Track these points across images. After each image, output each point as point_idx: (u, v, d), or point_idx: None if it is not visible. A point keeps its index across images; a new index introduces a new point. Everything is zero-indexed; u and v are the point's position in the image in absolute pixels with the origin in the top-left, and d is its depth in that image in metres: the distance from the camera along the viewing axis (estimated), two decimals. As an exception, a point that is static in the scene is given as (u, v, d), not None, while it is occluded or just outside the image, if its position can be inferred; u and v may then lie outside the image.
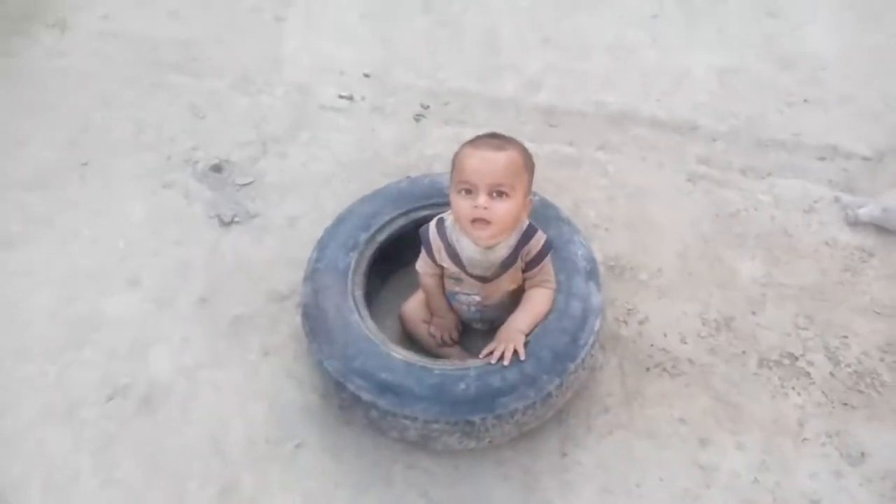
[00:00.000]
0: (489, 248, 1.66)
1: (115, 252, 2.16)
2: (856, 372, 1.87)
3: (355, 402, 1.59)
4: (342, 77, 2.72)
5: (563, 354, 1.60)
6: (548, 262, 1.70)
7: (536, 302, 1.68)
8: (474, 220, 1.56)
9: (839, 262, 2.11)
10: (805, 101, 2.60)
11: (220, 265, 2.12)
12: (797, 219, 2.22)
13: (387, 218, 1.88)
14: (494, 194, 1.54)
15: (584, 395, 1.80)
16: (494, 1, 3.04)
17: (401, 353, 1.63)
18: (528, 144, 1.65)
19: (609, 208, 2.24)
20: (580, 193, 2.28)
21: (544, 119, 2.56)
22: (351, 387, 1.58)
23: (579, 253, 1.78)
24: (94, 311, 2.01)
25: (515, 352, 1.59)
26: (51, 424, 1.79)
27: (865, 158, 2.40)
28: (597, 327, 1.67)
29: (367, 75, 2.73)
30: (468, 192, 1.55)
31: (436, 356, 1.76)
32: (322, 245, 1.84)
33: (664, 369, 1.87)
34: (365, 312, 1.73)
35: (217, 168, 2.38)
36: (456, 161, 1.60)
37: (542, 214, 1.83)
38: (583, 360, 1.63)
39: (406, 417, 1.54)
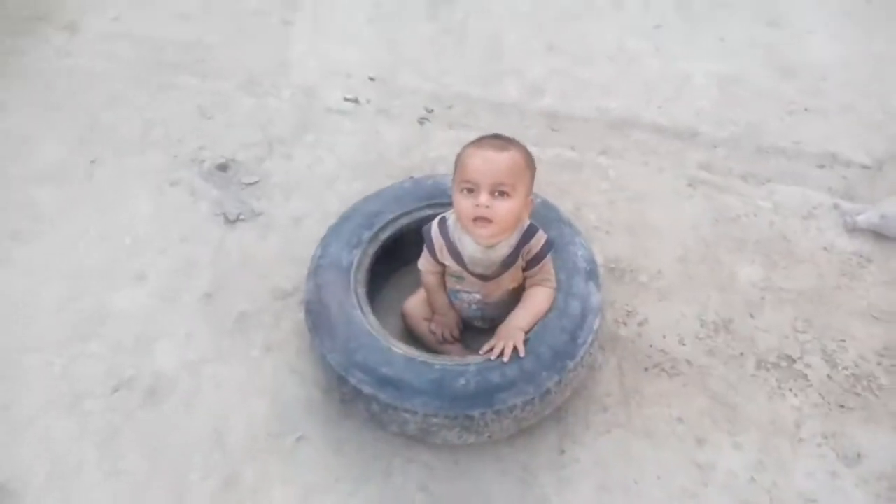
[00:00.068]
0: (490, 246, 1.68)
1: (122, 248, 2.19)
2: (853, 375, 1.88)
3: (357, 395, 1.61)
4: (348, 80, 2.76)
5: (563, 352, 1.62)
6: (548, 262, 1.72)
7: (537, 300, 1.70)
8: (476, 219, 1.58)
9: (837, 267, 2.13)
10: (805, 109, 2.63)
11: (224, 262, 2.14)
12: (796, 224, 2.24)
13: (390, 217, 1.90)
14: (496, 193, 1.56)
15: (582, 394, 1.82)
16: (498, 8, 3.09)
17: (402, 349, 1.65)
18: (530, 148, 1.67)
19: (610, 212, 2.27)
20: (581, 197, 2.30)
21: (547, 123, 2.59)
22: (352, 380, 1.60)
23: (579, 254, 1.80)
24: (100, 305, 2.04)
25: (515, 349, 1.60)
26: (56, 415, 1.82)
27: (865, 166, 2.43)
28: (596, 326, 1.69)
29: (372, 79, 2.76)
30: (470, 190, 1.58)
31: (437, 353, 1.78)
32: (326, 242, 1.86)
33: (663, 370, 1.89)
34: (367, 308, 1.75)
35: (223, 167, 2.41)
36: (459, 160, 1.63)
37: (544, 216, 1.85)
38: (581, 359, 1.65)
39: (406, 411, 1.56)
